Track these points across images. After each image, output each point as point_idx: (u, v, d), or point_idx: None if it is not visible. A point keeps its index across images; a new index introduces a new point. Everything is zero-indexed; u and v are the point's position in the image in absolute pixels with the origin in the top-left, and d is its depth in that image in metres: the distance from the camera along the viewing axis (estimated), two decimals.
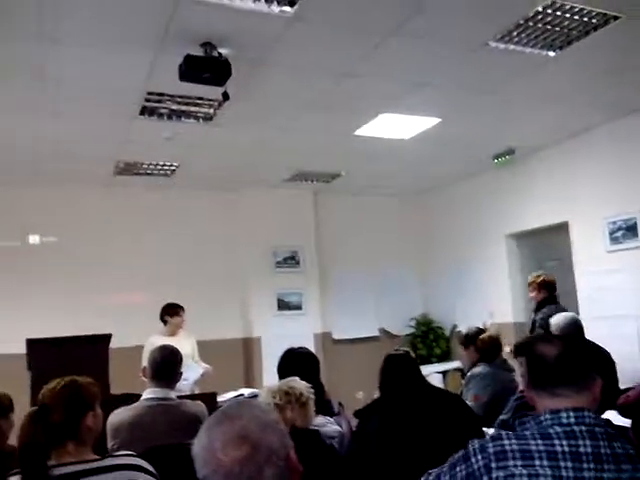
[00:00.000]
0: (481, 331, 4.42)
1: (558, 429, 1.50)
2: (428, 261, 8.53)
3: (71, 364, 4.02)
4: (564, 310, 4.76)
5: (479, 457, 1.50)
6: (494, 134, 5.96)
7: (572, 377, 1.60)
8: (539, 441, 1.48)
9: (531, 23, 3.68)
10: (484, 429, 2.95)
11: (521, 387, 2.92)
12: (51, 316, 6.17)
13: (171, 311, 5.40)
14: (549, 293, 5.17)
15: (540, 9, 3.53)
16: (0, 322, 6.14)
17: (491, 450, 1.49)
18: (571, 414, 1.52)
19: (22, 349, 4.57)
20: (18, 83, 4.11)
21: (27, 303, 6.34)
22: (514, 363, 3.83)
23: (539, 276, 5.27)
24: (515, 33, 3.81)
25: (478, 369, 4.07)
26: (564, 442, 1.48)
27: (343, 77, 4.35)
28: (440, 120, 5.40)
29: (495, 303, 7.28)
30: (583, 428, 1.50)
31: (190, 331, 5.57)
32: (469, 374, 4.13)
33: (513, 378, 3.99)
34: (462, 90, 4.75)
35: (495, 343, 4.19)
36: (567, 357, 1.63)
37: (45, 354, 4.28)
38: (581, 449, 1.47)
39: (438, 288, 8.33)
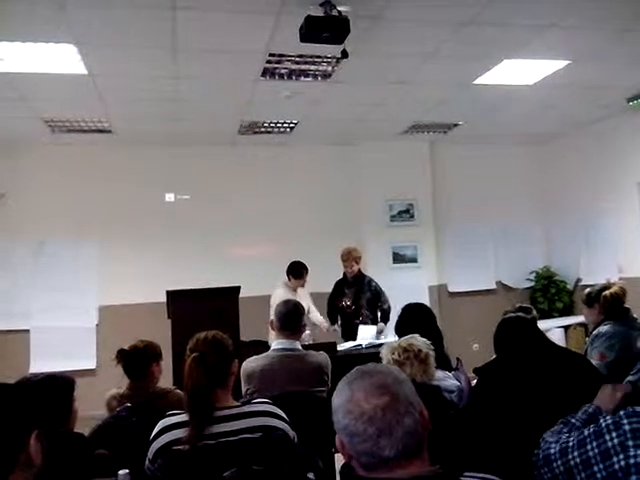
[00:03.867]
0: (605, 288, 4.21)
1: None
2: (551, 212, 8.15)
3: (206, 313, 4.42)
4: None
5: (613, 434, 1.44)
6: (629, 75, 5.47)
7: None
8: None
9: None
10: None
11: None
12: (186, 268, 6.72)
13: (295, 273, 5.70)
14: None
15: None
16: (143, 273, 6.80)
17: (627, 427, 1.43)
18: None
19: (161, 298, 5.03)
20: (153, 50, 4.38)
21: (165, 257, 6.93)
22: None
23: (355, 249, 5.78)
24: None
25: (605, 327, 3.90)
26: None
27: (463, 26, 4.19)
28: (569, 62, 5.06)
29: (625, 256, 6.86)
30: None
31: (306, 285, 5.85)
32: (595, 332, 3.97)
33: None
34: (595, 29, 4.39)
35: (620, 300, 3.99)
36: None
37: (182, 304, 4.68)
38: None
39: (561, 240, 7.96)
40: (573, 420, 1.68)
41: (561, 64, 5.10)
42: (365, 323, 5.59)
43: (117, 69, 4.68)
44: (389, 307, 5.70)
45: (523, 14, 4.07)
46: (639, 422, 1.43)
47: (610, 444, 1.44)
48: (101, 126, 6.21)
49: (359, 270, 5.80)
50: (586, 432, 1.52)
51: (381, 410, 1.23)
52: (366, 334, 5.34)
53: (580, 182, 7.58)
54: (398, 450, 1.22)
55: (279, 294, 5.39)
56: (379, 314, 5.71)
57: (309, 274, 5.79)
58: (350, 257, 5.70)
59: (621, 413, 1.49)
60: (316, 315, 5.90)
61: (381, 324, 5.61)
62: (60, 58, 4.37)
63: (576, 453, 1.51)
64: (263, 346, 4.80)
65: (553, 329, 6.92)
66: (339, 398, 1.30)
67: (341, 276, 5.89)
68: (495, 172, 8.01)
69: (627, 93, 6.04)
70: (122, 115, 5.92)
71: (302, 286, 5.74)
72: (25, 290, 6.65)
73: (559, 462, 1.55)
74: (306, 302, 5.58)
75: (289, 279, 5.73)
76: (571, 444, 1.54)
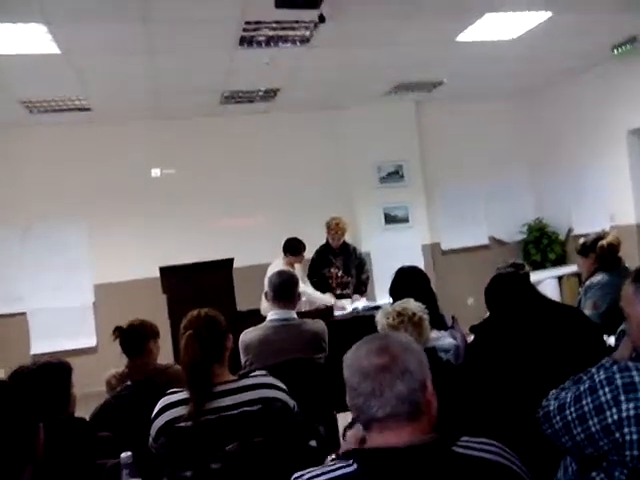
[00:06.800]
0: (600, 238, 4.24)
1: None
2: (541, 164, 8.14)
3: (200, 287, 4.45)
4: None
5: (606, 389, 1.47)
6: (613, 22, 5.39)
7: None
8: None
9: None
10: (604, 337, 2.92)
11: None
12: (178, 242, 6.70)
13: (292, 250, 5.47)
14: None
15: None
16: (135, 250, 6.79)
17: (619, 382, 1.46)
18: None
19: (156, 274, 5.04)
20: (125, 24, 4.27)
21: (157, 232, 6.89)
22: None
23: (343, 222, 5.65)
24: None
25: (597, 277, 3.94)
26: None
27: None
28: (551, 14, 4.97)
29: (616, 204, 6.89)
30: None
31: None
32: (588, 283, 4.02)
33: None
34: None
35: (615, 250, 4.02)
36: None
37: (176, 280, 4.70)
38: None
39: (552, 191, 7.97)
40: (585, 377, 1.71)
41: (543, 16, 5.02)
42: (349, 295, 5.60)
43: (90, 46, 4.57)
44: (368, 277, 5.81)
45: None
46: (631, 377, 1.46)
47: (603, 399, 1.48)
48: (79, 104, 6.09)
49: (344, 241, 5.75)
50: (582, 388, 1.56)
51: (375, 369, 1.26)
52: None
53: (568, 132, 7.55)
54: (386, 412, 1.25)
55: (275, 268, 5.37)
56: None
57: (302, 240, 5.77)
58: (339, 229, 5.61)
59: (614, 368, 1.52)
60: (316, 294, 5.54)
61: (356, 295, 5.61)
62: (31, 38, 4.25)
63: (572, 409, 1.55)
64: (260, 315, 4.84)
65: (547, 280, 7.01)
66: (349, 353, 1.35)
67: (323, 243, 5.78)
68: (482, 128, 7.95)
69: (612, 41, 5.96)
70: (100, 92, 5.81)
71: (299, 262, 5.56)
72: (17, 273, 6.62)
73: (558, 418, 1.59)
74: (301, 278, 5.54)
75: (285, 255, 5.49)
76: (568, 400, 1.58)
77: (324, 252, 5.76)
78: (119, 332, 2.73)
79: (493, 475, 1.23)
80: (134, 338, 2.73)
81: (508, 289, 2.80)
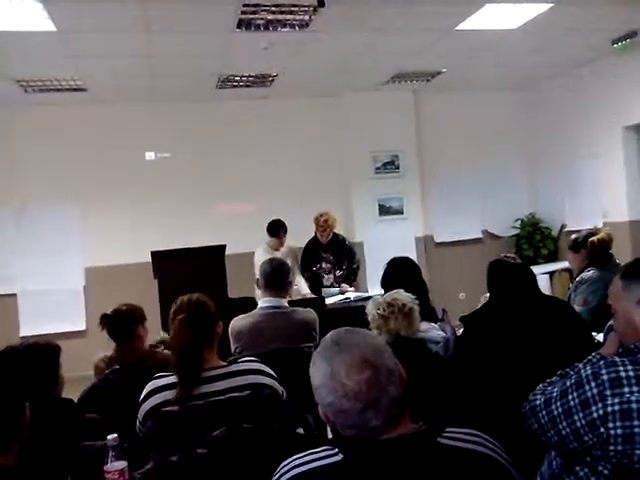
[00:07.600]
0: (591, 234, 4.25)
1: None
2: (536, 158, 8.12)
3: (192, 273, 4.42)
4: None
5: (592, 384, 1.48)
6: (614, 15, 5.36)
7: None
8: None
9: None
10: (593, 334, 2.93)
11: None
12: (170, 227, 6.67)
13: (271, 232, 5.55)
14: None
15: None
16: (127, 234, 6.74)
17: (605, 377, 1.47)
18: None
19: (148, 258, 5.00)
20: (122, 3, 4.22)
21: (149, 216, 6.85)
22: None
23: (332, 217, 5.60)
24: None
25: (588, 274, 3.96)
26: None
27: None
28: (552, 5, 4.95)
29: (609, 201, 6.89)
30: None
31: (288, 244, 5.75)
32: (578, 278, 4.04)
33: None
34: None
35: (606, 246, 4.03)
36: None
37: (168, 265, 4.67)
38: None
39: (546, 187, 7.97)
40: (572, 372, 1.72)
41: (544, 7, 4.99)
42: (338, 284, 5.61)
43: (86, 25, 4.52)
44: (358, 267, 5.82)
45: None
46: (617, 372, 1.47)
47: (589, 394, 1.48)
48: (74, 85, 6.03)
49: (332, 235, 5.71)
50: (568, 383, 1.56)
51: (365, 385, 1.22)
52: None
53: (565, 126, 7.54)
54: (385, 418, 1.23)
55: (259, 254, 5.38)
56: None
57: (295, 228, 5.75)
58: (327, 226, 5.56)
59: (601, 363, 1.52)
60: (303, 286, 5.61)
61: (344, 285, 5.59)
62: (25, 15, 4.19)
63: (559, 403, 1.55)
64: (251, 303, 4.84)
65: (539, 275, 6.95)
66: (319, 374, 1.27)
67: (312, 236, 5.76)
68: (480, 120, 7.92)
69: (612, 35, 5.93)
70: (95, 73, 5.75)
71: (282, 245, 5.59)
72: (9, 255, 6.57)
73: (544, 412, 1.60)
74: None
75: (268, 236, 5.59)
76: (555, 394, 1.58)
77: (313, 247, 5.73)
78: (106, 320, 2.70)
79: (477, 465, 1.23)
80: (121, 325, 2.71)
81: (516, 276, 2.82)
